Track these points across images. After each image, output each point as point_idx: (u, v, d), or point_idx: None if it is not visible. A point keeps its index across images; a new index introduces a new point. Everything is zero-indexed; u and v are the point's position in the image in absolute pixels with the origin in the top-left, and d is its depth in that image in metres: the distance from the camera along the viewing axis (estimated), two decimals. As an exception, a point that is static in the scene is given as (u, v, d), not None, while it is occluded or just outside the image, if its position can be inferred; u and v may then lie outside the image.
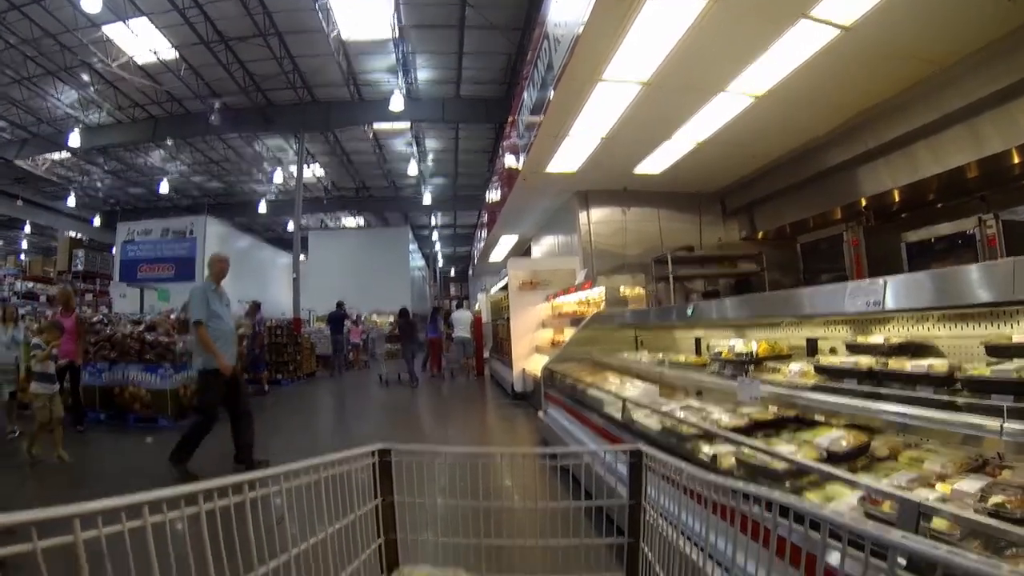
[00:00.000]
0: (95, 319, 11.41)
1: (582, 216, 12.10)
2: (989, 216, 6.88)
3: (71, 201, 27.68)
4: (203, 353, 6.31)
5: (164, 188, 26.30)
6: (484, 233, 21.55)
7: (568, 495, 2.13)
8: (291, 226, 25.33)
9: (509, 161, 12.94)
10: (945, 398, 2.23)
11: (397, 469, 1.98)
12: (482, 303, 20.24)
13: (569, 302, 10.96)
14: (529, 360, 12.01)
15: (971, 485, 1.97)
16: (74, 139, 19.51)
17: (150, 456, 7.23)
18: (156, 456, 6.61)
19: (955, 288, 2.09)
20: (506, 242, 19.66)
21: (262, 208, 29.65)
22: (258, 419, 6.58)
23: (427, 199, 29.30)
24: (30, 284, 22.94)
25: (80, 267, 26.30)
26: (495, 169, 17.92)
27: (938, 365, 2.36)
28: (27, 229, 31.99)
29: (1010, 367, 2.04)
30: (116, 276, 27.19)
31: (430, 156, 26.63)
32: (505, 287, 13.54)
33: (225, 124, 19.64)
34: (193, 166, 27.10)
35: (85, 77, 17.86)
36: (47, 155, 24.27)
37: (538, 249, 17.79)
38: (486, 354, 18.02)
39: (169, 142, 23.23)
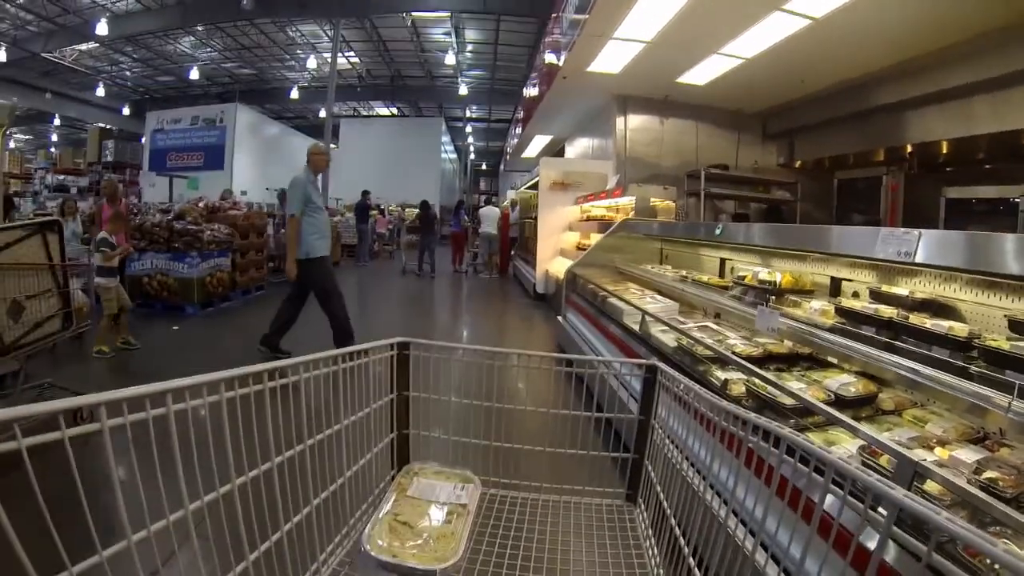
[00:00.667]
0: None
1: (619, 121, 11.83)
2: None
3: (100, 92, 27.33)
4: (310, 240, 6.51)
5: (194, 75, 25.86)
6: (518, 129, 21.23)
7: (580, 405, 2.16)
8: (323, 113, 24.94)
9: (549, 58, 12.58)
10: (959, 363, 2.20)
11: (414, 364, 2.01)
12: (511, 200, 20.14)
13: (598, 207, 10.88)
14: (553, 262, 12.03)
15: (968, 455, 1.98)
16: (101, 28, 19.07)
17: (203, 340, 7.71)
18: (207, 340, 7.36)
19: (989, 254, 2.04)
20: (540, 141, 19.34)
21: (294, 95, 29.11)
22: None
23: (463, 91, 28.70)
24: (61, 177, 22.98)
25: (110, 158, 26.07)
26: (534, 65, 17.45)
27: (958, 329, 2.33)
28: (56, 122, 31.84)
29: None
30: (145, 166, 26.90)
31: (469, 48, 25.87)
32: (535, 185, 13.39)
33: (258, 8, 19.09)
34: (224, 52, 26.49)
35: None
36: (74, 46, 23.78)
37: (571, 150, 17.53)
38: (511, 252, 18.06)
39: (199, 28, 22.63)
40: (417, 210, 19.40)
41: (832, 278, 3.68)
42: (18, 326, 4.32)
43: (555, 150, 19.42)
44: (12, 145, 33.36)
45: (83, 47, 24.19)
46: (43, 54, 23.06)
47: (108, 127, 30.62)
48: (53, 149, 32.22)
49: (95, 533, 0.83)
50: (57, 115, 30.26)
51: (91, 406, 0.80)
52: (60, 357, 6.38)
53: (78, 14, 20.69)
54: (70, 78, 27.53)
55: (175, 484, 0.99)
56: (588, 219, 11.27)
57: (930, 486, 1.77)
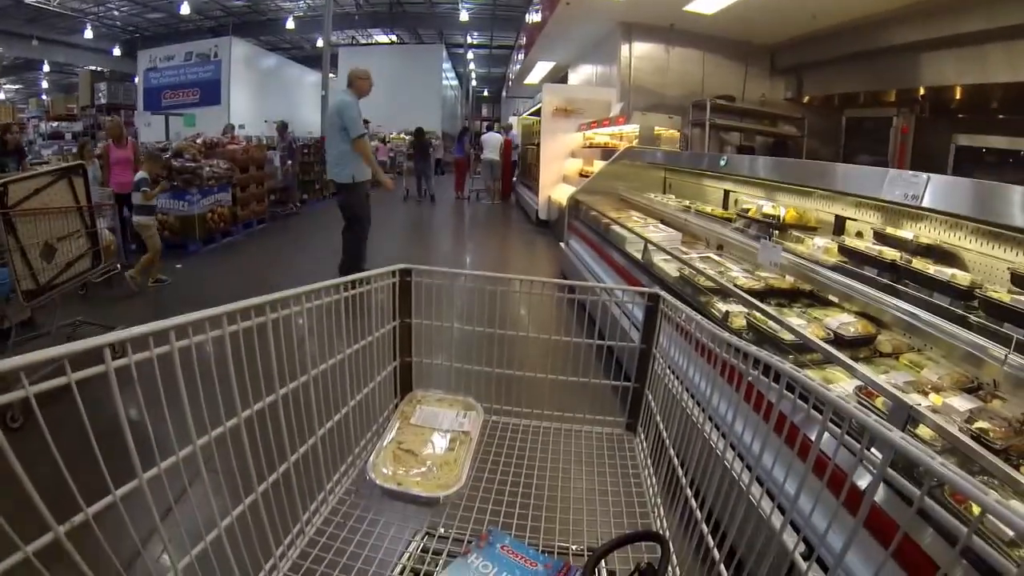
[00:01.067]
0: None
1: (624, 49, 11.60)
2: None
3: (88, 34, 26.72)
4: (358, 164, 6.72)
5: (185, 9, 25.01)
6: (521, 56, 20.83)
7: (582, 332, 2.17)
8: (320, 43, 24.37)
9: (553, -17, 12.26)
10: (959, 312, 2.22)
11: (416, 291, 2.01)
12: (514, 126, 19.92)
13: (601, 134, 10.77)
14: (555, 188, 11.97)
15: (961, 404, 2.01)
16: None
17: (206, 276, 7.92)
18: (211, 276, 7.61)
19: (997, 204, 2.03)
20: (542, 67, 19.00)
21: (289, 25, 28.45)
22: (292, 238, 6.86)
23: (464, 16, 28.03)
24: (54, 124, 22.58)
25: (103, 100, 25.51)
26: (538, -10, 17.02)
27: (960, 277, 2.34)
28: (45, 68, 31.23)
29: None
30: (140, 106, 26.36)
31: (470, -29, 25.18)
32: (538, 112, 13.22)
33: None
34: None
35: None
36: None
37: (575, 77, 17.22)
38: (514, 178, 17.93)
39: None
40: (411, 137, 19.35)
41: (837, 216, 3.66)
42: (51, 267, 4.51)
43: (558, 76, 19.08)
44: (2, 96, 32.83)
45: None
46: (27, 0, 22.44)
47: (99, 69, 30.03)
48: (44, 97, 31.70)
49: (106, 473, 0.84)
50: (46, 61, 29.74)
51: (98, 347, 0.81)
52: (91, 296, 6.57)
53: None
54: (56, 23, 26.86)
55: (183, 421, 1.00)
56: (591, 146, 11.16)
57: (922, 431, 1.80)
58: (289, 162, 13.70)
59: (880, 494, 1.66)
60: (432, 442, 1.72)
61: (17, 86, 36.91)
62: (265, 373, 1.25)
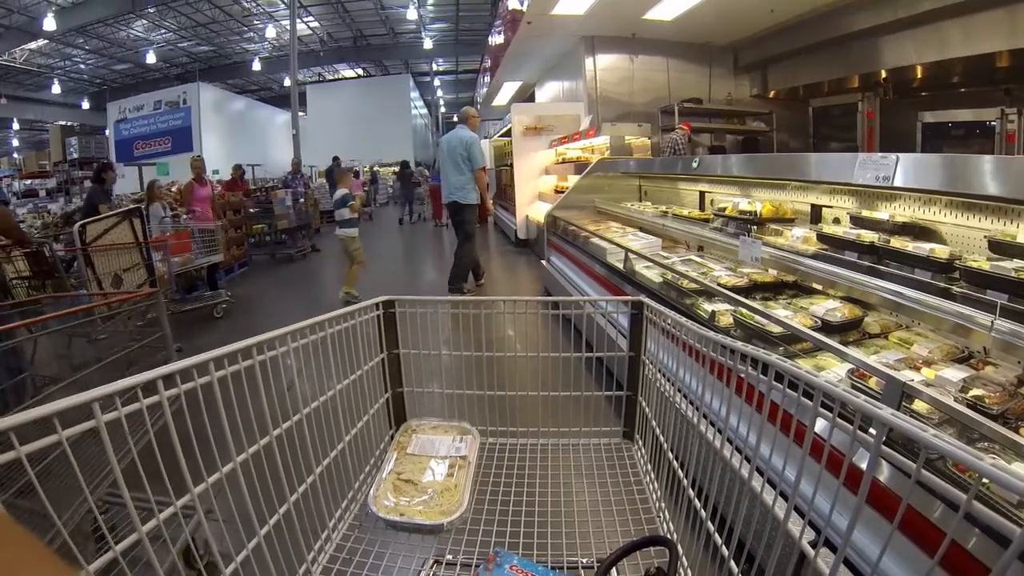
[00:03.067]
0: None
1: (588, 62, 11.71)
2: (1012, 111, 6.67)
3: (56, 89, 26.99)
4: (475, 190, 7.91)
5: (151, 59, 25.50)
6: (487, 79, 20.92)
7: (570, 347, 2.17)
8: (288, 82, 24.52)
9: (513, 3, 12.35)
10: (942, 285, 2.24)
11: (401, 321, 2.01)
12: (485, 149, 20.12)
13: (573, 149, 10.81)
14: (532, 207, 12.00)
15: (954, 374, 2.03)
16: (49, 23, 18.77)
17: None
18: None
19: (967, 176, 2.05)
20: (509, 88, 19.11)
21: (256, 67, 28.84)
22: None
23: (428, 44, 28.37)
24: (28, 182, 22.48)
25: (75, 154, 25.47)
26: (498, 12, 17.16)
27: (939, 251, 2.36)
28: (15, 127, 31.23)
29: (1009, 265, 2.03)
30: (113, 158, 26.32)
31: (430, 1, 25.43)
32: (508, 132, 13.27)
33: (210, -19, 18.45)
34: (179, 31, 25.94)
35: None
36: (24, 46, 23.14)
37: (542, 94, 17.33)
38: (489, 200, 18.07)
39: (151, 10, 22.07)
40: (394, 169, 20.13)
41: (812, 205, 3.69)
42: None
43: (526, 95, 19.20)
44: None
45: (32, 46, 23.64)
46: None
47: (70, 124, 30.01)
48: (16, 155, 31.54)
49: (104, 528, 0.84)
50: (15, 119, 29.64)
51: (86, 403, 0.80)
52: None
53: (23, 12, 20.10)
54: (23, 79, 27.03)
55: (177, 471, 1.00)
56: (564, 162, 11.20)
57: (918, 405, 1.81)
58: (301, 200, 13.57)
59: (884, 473, 1.67)
60: (431, 469, 1.72)
61: (-13, 146, 36.93)
62: (257, 415, 1.25)
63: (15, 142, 35.09)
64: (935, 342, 2.43)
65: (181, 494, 1.02)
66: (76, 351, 2.59)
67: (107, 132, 27.78)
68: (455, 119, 38.25)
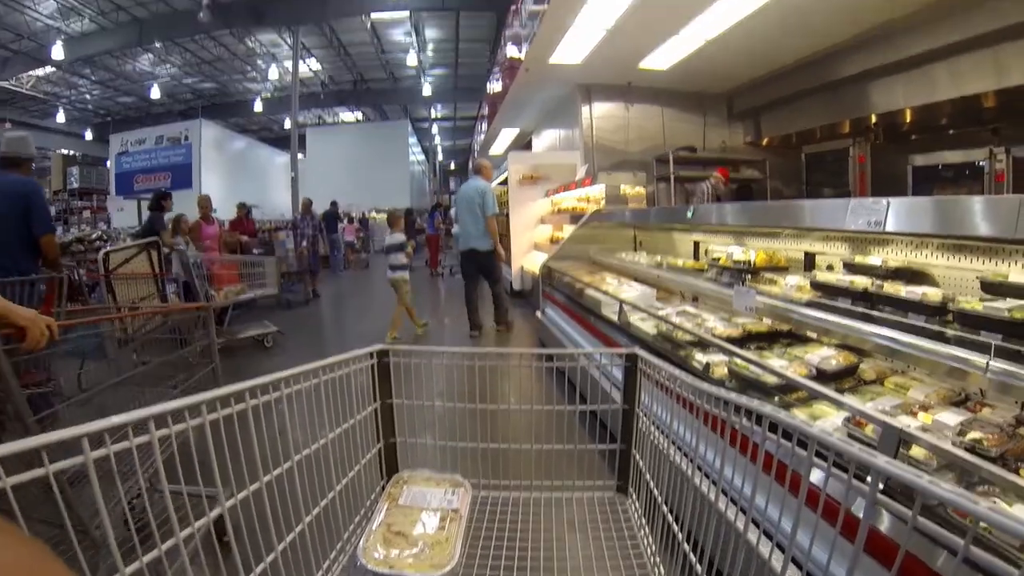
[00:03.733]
0: (93, 236, 11.25)
1: (584, 110, 11.84)
2: (1000, 150, 6.79)
3: (60, 117, 27.27)
4: (486, 236, 8.28)
5: (155, 93, 25.67)
6: (484, 126, 21.20)
7: (564, 398, 2.16)
8: (288, 124, 24.85)
9: (511, 51, 12.60)
10: (935, 328, 2.23)
11: (396, 371, 2.01)
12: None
13: (569, 198, 10.88)
14: (528, 257, 12.02)
15: (951, 418, 2.01)
16: (57, 51, 18.96)
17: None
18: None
19: (957, 218, 2.06)
20: (507, 135, 19.29)
21: (257, 107, 29.20)
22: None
23: (427, 91, 28.77)
24: None
25: (75, 184, 25.72)
26: (497, 60, 17.49)
27: (932, 294, 2.35)
28: None
29: (1003, 305, 2.03)
30: (112, 190, 26.54)
31: (430, 46, 25.96)
32: (505, 181, 13.36)
33: (215, 21, 18.94)
34: (184, 68, 26.29)
35: None
36: (31, 72, 23.52)
37: (539, 143, 17.52)
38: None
39: (157, 45, 22.44)
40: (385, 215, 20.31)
41: (806, 253, 3.71)
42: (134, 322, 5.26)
43: (523, 143, 19.39)
44: None
45: (40, 72, 23.93)
46: None
47: (72, 153, 30.26)
48: None
49: (87, 570, 0.82)
50: None
51: (76, 438, 0.80)
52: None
53: (32, 38, 20.44)
54: (29, 105, 27.32)
55: (164, 513, 0.98)
56: (560, 211, 11.26)
57: (916, 451, 1.79)
58: (304, 243, 13.40)
59: (884, 522, 1.65)
60: (422, 522, 1.70)
61: (-13, 169, 37.17)
62: (248, 460, 1.23)
63: None
64: (931, 386, 2.42)
65: (167, 537, 1.01)
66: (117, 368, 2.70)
67: (108, 164, 27.94)
68: (452, 167, 38.63)
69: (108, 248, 6.69)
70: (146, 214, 12.95)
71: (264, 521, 1.29)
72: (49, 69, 23.47)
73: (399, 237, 8.55)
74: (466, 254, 8.59)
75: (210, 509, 1.12)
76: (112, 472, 0.85)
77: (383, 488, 1.92)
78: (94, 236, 11.44)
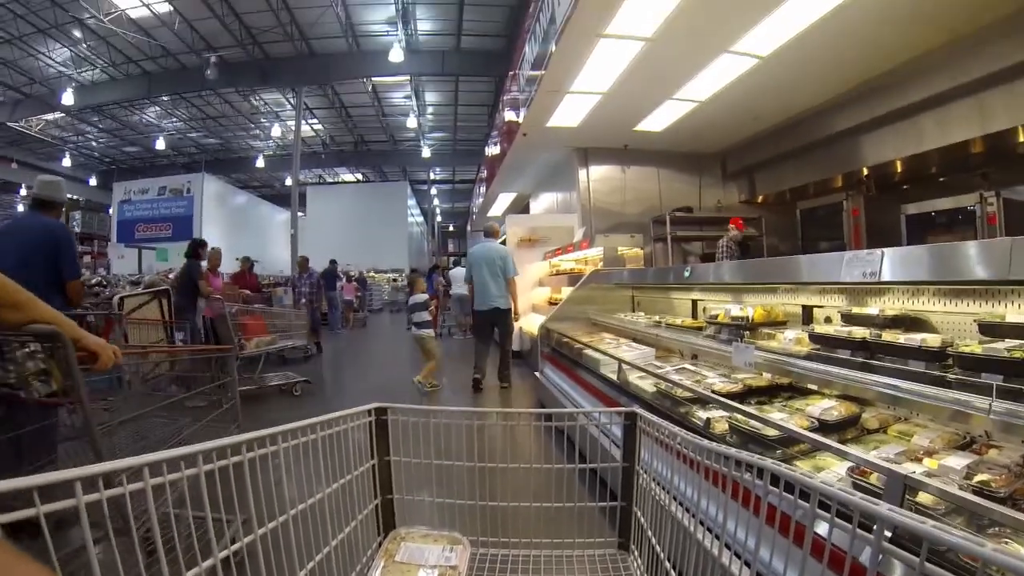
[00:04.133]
0: (93, 280, 11.30)
1: (581, 173, 11.99)
2: (991, 193, 6.89)
3: (66, 162, 27.80)
4: (506, 297, 8.68)
5: (160, 145, 26.31)
6: (483, 189, 21.44)
7: (563, 457, 2.15)
8: (289, 181, 25.23)
9: (509, 115, 12.80)
10: (936, 373, 2.21)
11: (393, 428, 1.99)
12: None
13: (567, 260, 10.96)
14: (526, 319, 12.02)
15: (957, 462, 1.99)
16: (67, 98, 19.44)
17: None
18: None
19: (952, 264, 2.07)
20: (505, 198, 19.52)
21: (260, 164, 29.68)
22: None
23: (426, 153, 29.34)
24: None
25: (77, 229, 25.98)
26: (495, 123, 17.77)
27: (930, 340, 2.34)
28: (23, 192, 31.85)
29: (1001, 346, 2.03)
30: (114, 237, 26.87)
31: (429, 109, 26.49)
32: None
33: (221, 79, 19.49)
34: (189, 122, 26.90)
35: (77, 33, 17.79)
36: (41, 116, 24.05)
37: (537, 205, 17.70)
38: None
39: (165, 98, 23.07)
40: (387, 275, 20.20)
41: (803, 306, 3.71)
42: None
43: (521, 206, 19.59)
44: None
45: (49, 117, 24.43)
46: (9, 123, 23.40)
47: (76, 198, 30.55)
48: None
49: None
50: (23, 185, 30.27)
51: (69, 480, 0.79)
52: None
53: (44, 83, 20.99)
54: (36, 148, 27.84)
55: (155, 561, 0.97)
56: (558, 273, 11.33)
57: (924, 497, 1.76)
58: (303, 300, 13.27)
59: (895, 572, 1.60)
60: (420, 578, 1.67)
61: (-7, 208, 37.53)
62: (243, 512, 1.22)
63: (20, 207, 35.61)
64: (935, 431, 2.39)
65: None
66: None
67: (111, 211, 28.16)
68: (450, 228, 38.99)
69: (123, 293, 7.07)
70: (147, 263, 13.01)
71: (257, 574, 1.27)
72: (58, 114, 23.99)
73: (421, 297, 8.84)
74: (486, 313, 8.80)
75: (203, 560, 1.10)
76: (104, 516, 0.84)
77: (380, 544, 1.89)
78: (93, 281, 11.42)
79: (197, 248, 8.86)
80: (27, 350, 1.99)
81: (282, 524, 1.42)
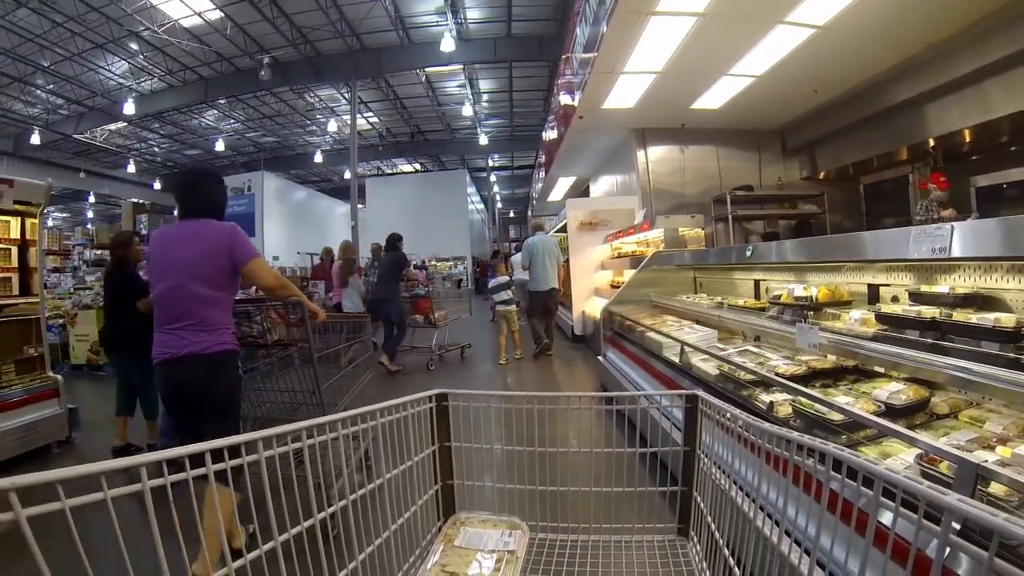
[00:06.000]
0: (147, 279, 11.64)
1: (640, 155, 11.84)
2: None
3: (131, 168, 28.94)
4: (553, 278, 10.30)
5: (220, 147, 27.12)
6: (542, 174, 21.34)
7: (624, 440, 2.13)
8: (347, 175, 25.55)
9: (564, 99, 12.68)
10: (1011, 355, 2.10)
11: (454, 414, 2.01)
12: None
13: (628, 243, 10.85)
14: (588, 302, 11.98)
15: None
16: (128, 108, 20.26)
17: None
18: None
19: (1026, 236, 1.96)
20: (564, 183, 19.40)
21: (318, 159, 30.24)
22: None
23: (483, 140, 29.28)
24: (98, 252, 23.90)
25: (144, 231, 26.92)
26: (551, 108, 17.65)
27: (1005, 319, 2.23)
28: (91, 199, 33.27)
29: None
30: None
31: (484, 97, 26.42)
32: (564, 228, 13.40)
33: (276, 79, 19.90)
34: (247, 123, 27.51)
35: (133, 46, 18.41)
36: (104, 126, 24.87)
37: (596, 189, 17.55)
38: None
39: (221, 101, 23.60)
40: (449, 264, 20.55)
41: (869, 285, 3.60)
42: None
43: (580, 190, 19.44)
44: (50, 223, 34.63)
45: (112, 127, 25.30)
46: (75, 135, 24.42)
47: (141, 202, 31.61)
48: (89, 226, 33.29)
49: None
50: (91, 193, 31.57)
51: (142, 465, 0.82)
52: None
53: (106, 96, 21.78)
54: (102, 157, 29.02)
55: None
56: (619, 256, 11.22)
57: (996, 488, 1.68)
58: (331, 293, 13.52)
59: (961, 565, 1.54)
60: (478, 562, 1.68)
61: (64, 214, 39.30)
62: (303, 497, 1.24)
63: (90, 214, 37.30)
64: (1009, 417, 2.27)
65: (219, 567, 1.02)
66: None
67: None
68: (511, 215, 39.13)
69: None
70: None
71: (316, 559, 1.29)
72: (121, 124, 24.85)
73: (503, 279, 10.34)
74: (544, 292, 10.26)
75: (263, 543, 1.13)
76: (168, 501, 0.87)
77: (439, 529, 1.91)
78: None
79: (396, 242, 10.17)
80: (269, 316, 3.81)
81: (341, 509, 1.44)
